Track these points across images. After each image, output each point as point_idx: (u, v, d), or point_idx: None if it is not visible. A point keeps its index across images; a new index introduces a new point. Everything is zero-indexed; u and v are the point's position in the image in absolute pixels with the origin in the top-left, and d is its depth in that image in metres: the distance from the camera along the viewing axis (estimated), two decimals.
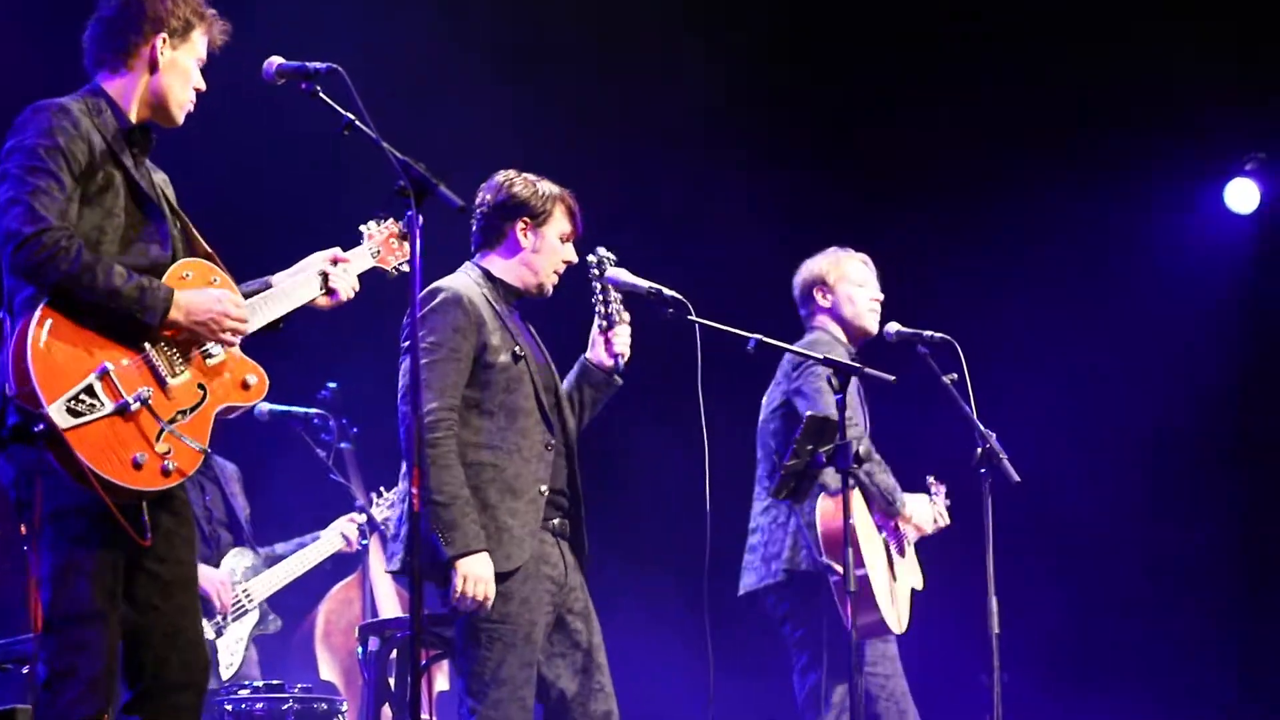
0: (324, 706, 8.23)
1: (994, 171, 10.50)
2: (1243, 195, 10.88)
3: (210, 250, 5.31)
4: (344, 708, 8.45)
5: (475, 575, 6.09)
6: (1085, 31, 10.42)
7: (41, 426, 4.78)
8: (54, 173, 4.92)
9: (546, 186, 6.53)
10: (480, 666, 6.16)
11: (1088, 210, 10.63)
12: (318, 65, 5.16)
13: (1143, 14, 10.37)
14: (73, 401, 4.80)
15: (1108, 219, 10.65)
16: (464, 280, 6.46)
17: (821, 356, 6.82)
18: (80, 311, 4.89)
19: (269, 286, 5.40)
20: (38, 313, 4.84)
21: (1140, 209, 10.66)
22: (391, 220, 5.73)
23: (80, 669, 4.87)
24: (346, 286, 5.46)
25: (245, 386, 5.19)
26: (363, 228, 5.68)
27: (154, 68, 5.20)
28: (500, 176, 6.48)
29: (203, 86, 5.29)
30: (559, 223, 6.53)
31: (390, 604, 9.37)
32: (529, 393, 6.39)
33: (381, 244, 5.69)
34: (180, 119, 5.26)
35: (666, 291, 6.46)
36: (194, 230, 5.31)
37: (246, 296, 5.28)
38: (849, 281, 7.65)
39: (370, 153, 5.00)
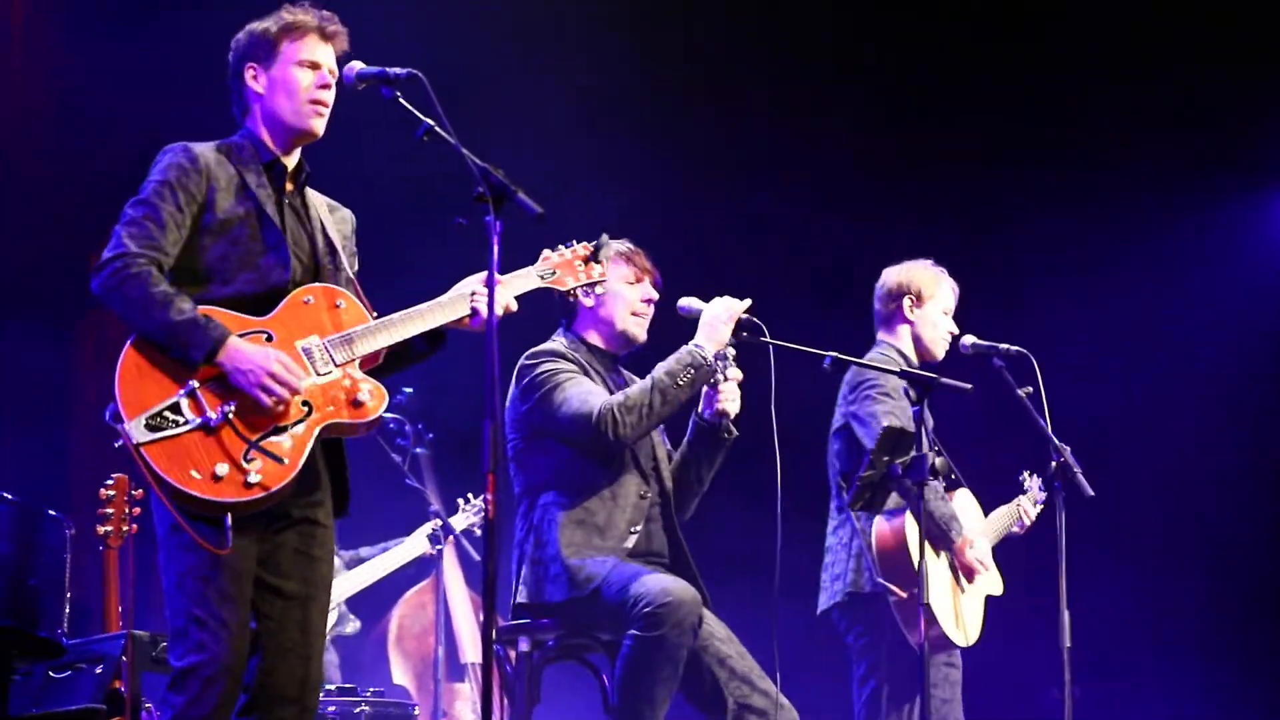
0: (396, 711, 8.27)
1: (1051, 184, 10.49)
2: None
3: (352, 276, 5.43)
4: (416, 712, 8.48)
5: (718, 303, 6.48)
6: (1141, 42, 10.38)
7: (120, 443, 4.94)
8: (155, 205, 5.13)
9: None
10: None
11: (1139, 221, 10.60)
12: (398, 70, 5.21)
13: (1204, 22, 10.33)
14: (154, 418, 4.94)
15: (1163, 229, 10.60)
16: (557, 343, 6.82)
17: (900, 369, 6.82)
18: None
19: None
20: (133, 337, 5.03)
21: (1196, 221, 10.61)
22: (581, 244, 5.82)
23: (199, 670, 4.97)
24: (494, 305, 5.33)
25: (356, 404, 5.19)
26: (546, 251, 5.75)
27: (258, 98, 5.36)
28: None
29: (326, 83, 5.35)
30: (617, 269, 6.74)
31: (464, 609, 9.40)
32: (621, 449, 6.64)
33: (560, 265, 5.74)
34: (308, 125, 5.34)
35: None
36: (343, 260, 5.41)
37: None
38: (939, 304, 7.62)
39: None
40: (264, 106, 5.35)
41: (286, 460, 5.03)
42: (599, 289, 6.36)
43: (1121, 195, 10.52)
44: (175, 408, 4.96)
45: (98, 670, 6.84)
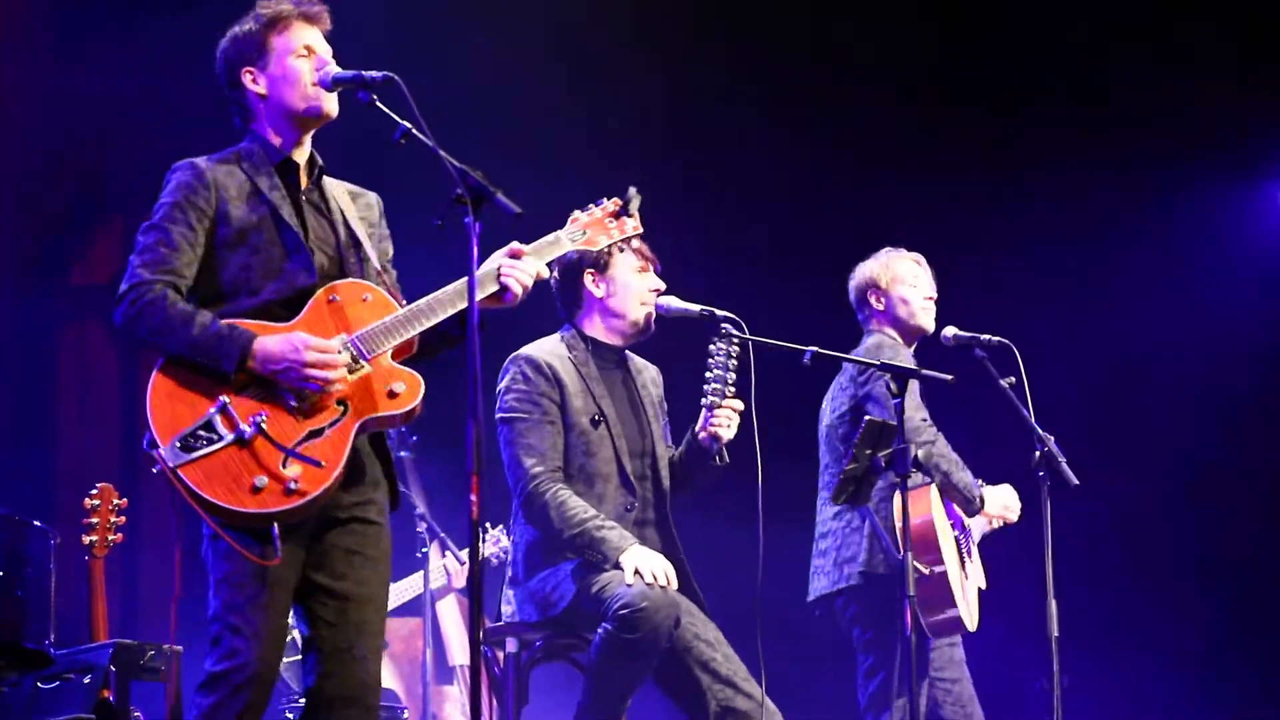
0: (386, 715, 8.26)
1: (1045, 170, 10.48)
2: None
3: (379, 266, 5.36)
4: (405, 715, 8.49)
5: (644, 563, 6.30)
6: (1138, 28, 10.39)
7: (157, 467, 4.93)
8: (165, 228, 5.12)
9: None
10: None
11: (1134, 208, 10.60)
12: (374, 74, 5.17)
13: (1202, 12, 10.35)
14: (188, 439, 4.92)
15: (1156, 216, 10.60)
16: (547, 345, 6.71)
17: (879, 363, 6.82)
18: None
19: None
20: (160, 362, 5.02)
21: (1191, 207, 10.61)
22: (611, 200, 5.68)
23: (230, 676, 4.96)
24: (520, 277, 5.28)
25: (392, 395, 5.13)
26: (575, 212, 5.62)
27: (261, 98, 5.30)
28: None
29: (326, 64, 5.28)
30: (625, 258, 6.70)
31: (450, 613, 9.39)
32: (609, 457, 6.63)
33: (590, 225, 5.62)
34: (323, 106, 5.27)
35: (719, 313, 6.53)
36: (368, 251, 5.35)
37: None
38: (902, 283, 7.61)
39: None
40: (269, 106, 5.29)
41: (325, 463, 4.99)
42: (607, 286, 6.51)
43: (1113, 183, 10.52)
44: (208, 425, 4.94)
45: (86, 680, 6.84)
